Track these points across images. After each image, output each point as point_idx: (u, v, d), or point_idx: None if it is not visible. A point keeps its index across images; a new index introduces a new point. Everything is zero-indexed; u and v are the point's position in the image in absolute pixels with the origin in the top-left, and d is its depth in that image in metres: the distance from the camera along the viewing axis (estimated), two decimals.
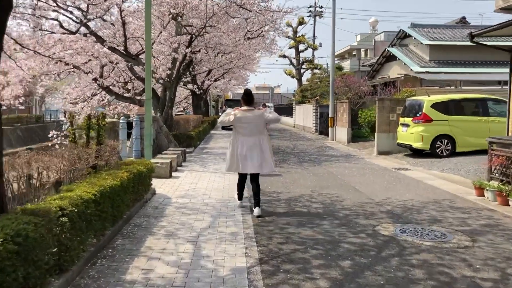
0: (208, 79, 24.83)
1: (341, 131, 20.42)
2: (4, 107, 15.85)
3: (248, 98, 6.65)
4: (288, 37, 40.28)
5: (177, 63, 14.45)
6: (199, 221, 6.06)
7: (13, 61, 13.76)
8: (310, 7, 44.84)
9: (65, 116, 18.39)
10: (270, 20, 15.45)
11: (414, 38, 29.18)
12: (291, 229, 5.76)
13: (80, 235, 3.99)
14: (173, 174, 10.03)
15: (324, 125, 24.47)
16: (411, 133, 13.64)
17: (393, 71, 30.48)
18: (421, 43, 28.20)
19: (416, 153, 14.02)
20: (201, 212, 6.57)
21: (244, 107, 6.62)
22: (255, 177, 6.67)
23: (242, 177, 6.90)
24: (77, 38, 12.75)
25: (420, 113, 13.51)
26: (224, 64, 18.21)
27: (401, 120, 14.46)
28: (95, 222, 4.48)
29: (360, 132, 20.38)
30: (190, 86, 18.93)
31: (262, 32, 16.59)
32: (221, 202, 7.27)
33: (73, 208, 3.87)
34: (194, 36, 13.51)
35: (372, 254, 4.84)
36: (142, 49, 13.56)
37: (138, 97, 15.71)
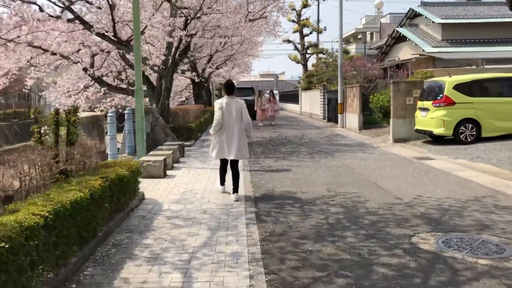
0: (210, 67, 23.57)
1: (352, 118, 19.17)
2: None
3: (228, 89, 7.08)
4: (292, 21, 38.84)
5: (173, 49, 13.23)
6: (193, 236, 4.91)
7: None
8: None
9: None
10: None
11: (425, 17, 27.68)
12: (307, 245, 4.60)
13: (16, 279, 2.84)
14: (168, 172, 8.89)
15: (333, 111, 23.20)
16: (432, 118, 12.38)
17: (403, 53, 29.04)
18: (433, 22, 26.73)
19: (437, 140, 12.79)
20: (197, 222, 5.42)
21: (226, 96, 6.99)
22: (234, 164, 6.96)
23: (223, 163, 7.16)
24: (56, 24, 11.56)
25: (441, 95, 12.23)
26: (224, 49, 16.86)
27: (420, 104, 13.19)
28: (48, 253, 3.34)
29: (372, 118, 19.12)
30: (188, 74, 17.67)
31: (264, 13, 15.28)
32: (221, 208, 6.12)
33: (3, 244, 2.72)
34: (189, 18, 12.26)
35: (417, 284, 3.67)
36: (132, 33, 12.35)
37: (132, 88, 14.55)
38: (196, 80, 18.92)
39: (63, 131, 5.33)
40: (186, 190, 7.32)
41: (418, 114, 13.22)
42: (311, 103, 29.68)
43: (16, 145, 16.71)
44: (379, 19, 53.17)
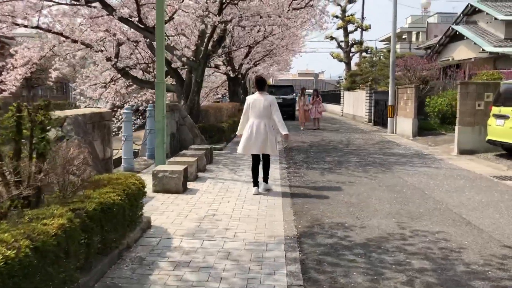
0: (247, 62, 21.85)
1: (404, 122, 17.01)
2: (6, 93, 13.60)
3: (259, 84, 6.95)
4: (336, 16, 36.66)
5: (205, 38, 11.56)
6: None
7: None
8: None
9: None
10: None
11: (486, 14, 25.02)
12: None
13: None
14: (190, 185, 7.20)
15: (381, 114, 21.03)
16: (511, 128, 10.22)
17: (458, 53, 26.45)
18: (495, 18, 24.05)
19: None
20: (215, 277, 3.66)
21: (257, 93, 6.92)
22: (265, 158, 6.96)
23: (255, 160, 6.99)
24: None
25: None
26: (264, 40, 14.97)
27: (495, 110, 11.00)
28: None
29: (427, 124, 16.90)
30: (223, 68, 15.97)
31: (310, 1, 13.39)
32: (252, 249, 4.34)
33: None
34: (225, 2, 10.55)
35: None
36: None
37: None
38: (232, 75, 17.18)
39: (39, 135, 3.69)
40: (208, 214, 5.58)
41: (493, 122, 11.04)
42: (355, 104, 27.51)
43: None
44: (426, 18, 51.02)
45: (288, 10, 12.47)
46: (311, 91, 29.79)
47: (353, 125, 22.82)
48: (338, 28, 37.09)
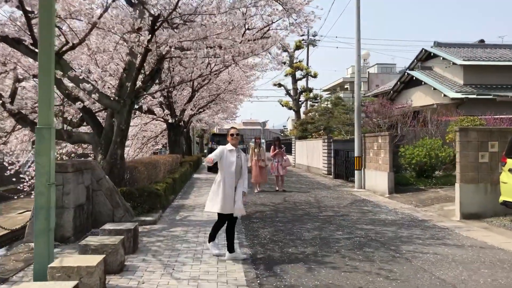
0: (191, 109, 18.87)
1: (376, 176, 14.49)
2: None
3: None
4: (284, 63, 34.94)
5: (133, 71, 8.51)
6: None
7: None
8: (303, 35, 39.65)
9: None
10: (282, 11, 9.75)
11: (443, 59, 23.93)
12: None
13: None
14: None
15: (343, 166, 18.55)
16: None
17: (416, 99, 24.99)
18: (453, 63, 22.90)
19: None
20: None
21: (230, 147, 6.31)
22: (234, 222, 6.28)
23: (224, 220, 6.23)
24: None
25: None
26: (208, 74, 11.65)
27: (510, 163, 8.61)
28: None
29: (403, 178, 14.47)
30: (159, 112, 12.79)
31: (269, 29, 10.82)
32: None
33: None
34: (160, 17, 7.62)
35: None
36: (67, 42, 7.60)
37: (70, 129, 9.68)
38: (171, 121, 14.00)
39: None
40: None
41: (508, 178, 8.62)
42: (310, 154, 25.06)
43: None
44: (366, 69, 51.88)
45: (241, 42, 9.81)
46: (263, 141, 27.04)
47: (311, 178, 20.12)
48: (286, 75, 35.36)
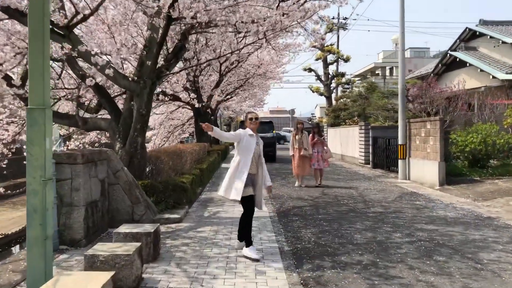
0: (218, 95, 17.76)
1: (423, 166, 13.07)
2: None
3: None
4: (314, 46, 33.41)
5: (154, 48, 7.41)
6: None
7: None
8: (333, 18, 37.93)
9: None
10: None
11: (490, 37, 21.99)
12: None
13: None
14: None
15: (382, 155, 17.16)
16: None
17: (460, 81, 23.16)
18: (502, 42, 20.98)
19: None
20: None
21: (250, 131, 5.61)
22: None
23: (251, 206, 5.52)
24: None
25: None
26: (241, 47, 10.09)
27: None
28: None
29: (454, 168, 13.04)
30: (184, 96, 11.68)
31: (306, 1, 9.51)
32: None
33: None
34: None
35: None
36: (78, 12, 6.55)
37: (84, 114, 8.70)
38: (197, 106, 12.88)
39: None
40: None
41: None
42: (344, 142, 23.66)
43: None
44: (398, 53, 49.43)
45: (276, 12, 8.57)
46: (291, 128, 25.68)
47: (347, 168, 18.78)
48: (317, 59, 33.84)
